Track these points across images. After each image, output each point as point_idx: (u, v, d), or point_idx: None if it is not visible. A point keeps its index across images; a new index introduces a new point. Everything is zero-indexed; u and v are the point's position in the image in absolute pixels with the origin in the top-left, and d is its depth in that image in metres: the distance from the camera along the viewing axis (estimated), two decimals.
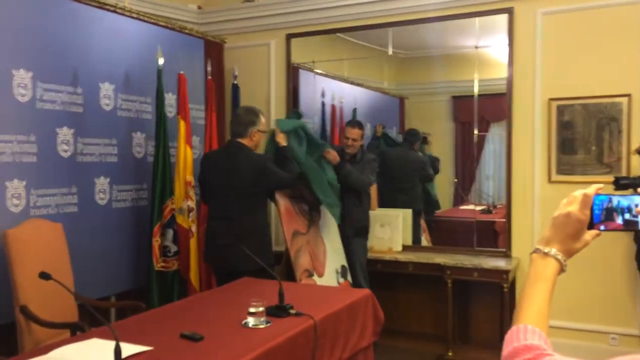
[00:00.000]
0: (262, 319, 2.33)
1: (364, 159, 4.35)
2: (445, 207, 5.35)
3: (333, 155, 4.14)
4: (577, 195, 1.08)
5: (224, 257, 3.45)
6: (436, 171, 5.24)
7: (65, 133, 3.50)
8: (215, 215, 3.57)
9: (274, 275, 2.71)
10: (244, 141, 3.53)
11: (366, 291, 2.89)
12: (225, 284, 3.35)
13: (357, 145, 4.28)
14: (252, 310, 2.32)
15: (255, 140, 3.57)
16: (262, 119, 3.63)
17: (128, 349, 2.00)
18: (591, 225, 1.09)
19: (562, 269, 1.07)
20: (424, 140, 5.21)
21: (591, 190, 1.08)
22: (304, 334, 2.32)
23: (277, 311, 2.44)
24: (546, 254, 1.07)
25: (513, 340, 0.95)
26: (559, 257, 1.06)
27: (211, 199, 3.63)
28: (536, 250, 1.09)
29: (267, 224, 3.58)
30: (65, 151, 3.52)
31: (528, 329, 0.96)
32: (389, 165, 5.07)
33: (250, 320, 2.32)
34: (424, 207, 5.10)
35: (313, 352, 2.34)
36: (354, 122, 4.44)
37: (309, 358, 2.34)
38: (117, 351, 1.78)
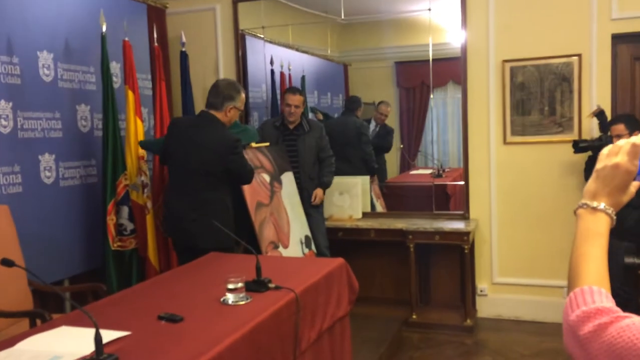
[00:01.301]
0: (242, 295, 2.22)
1: (312, 129, 4.26)
2: (392, 173, 5.37)
3: (319, 197, 4.21)
4: (622, 145, 1.01)
5: (186, 232, 3.26)
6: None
7: (3, 107, 3.21)
8: (176, 187, 3.35)
9: (250, 249, 2.59)
10: (218, 115, 3.30)
11: (340, 260, 2.83)
12: (186, 258, 3.20)
13: (298, 113, 4.18)
14: (230, 286, 2.21)
15: (230, 117, 3.34)
16: (242, 96, 3.39)
17: (105, 335, 1.85)
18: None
19: (612, 224, 1.01)
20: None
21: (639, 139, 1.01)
22: (286, 308, 2.24)
23: (255, 286, 2.33)
24: (595, 209, 1.00)
25: (579, 303, 0.88)
26: (609, 211, 1.00)
27: (172, 169, 3.39)
28: (583, 206, 1.02)
29: (230, 200, 3.39)
30: (5, 127, 3.23)
31: (594, 290, 0.90)
32: (330, 134, 5.01)
33: (230, 297, 2.21)
34: (371, 174, 5.04)
35: (296, 325, 2.27)
36: (294, 89, 4.31)
37: (292, 332, 2.26)
38: (98, 339, 1.64)
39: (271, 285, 2.35)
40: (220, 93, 3.31)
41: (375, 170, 5.05)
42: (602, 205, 1.00)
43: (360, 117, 5.07)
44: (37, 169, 3.45)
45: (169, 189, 3.49)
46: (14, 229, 3.04)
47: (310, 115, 4.97)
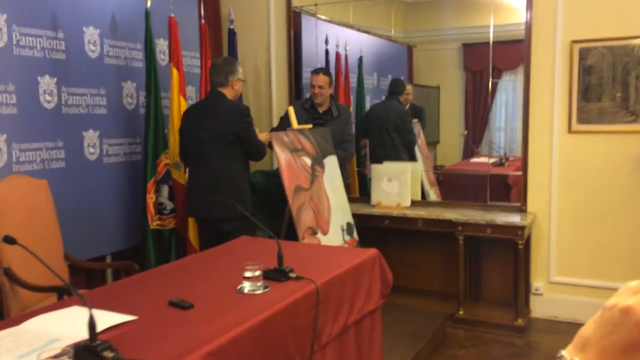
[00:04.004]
0: (259, 284, 2.12)
1: (342, 114, 4.16)
2: (454, 160, 5.12)
3: None
4: None
5: (204, 205, 3.38)
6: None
7: (47, 82, 3.24)
8: (195, 165, 3.48)
9: (256, 222, 2.63)
10: (226, 91, 3.44)
11: (373, 251, 2.67)
12: (209, 237, 3.44)
13: (324, 94, 4.06)
14: (247, 274, 2.11)
15: (237, 89, 3.49)
16: (240, 68, 3.54)
17: (109, 318, 1.80)
18: None
19: None
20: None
21: None
22: (306, 300, 2.11)
23: (275, 275, 2.22)
24: None
25: None
26: None
27: (191, 150, 3.49)
28: (559, 357, 0.68)
29: (247, 173, 3.52)
30: (49, 102, 3.26)
31: None
32: (371, 120, 4.88)
33: (246, 286, 2.11)
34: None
35: (315, 318, 2.14)
36: (319, 69, 4.20)
37: (311, 325, 2.13)
38: (92, 324, 1.57)
39: (292, 274, 2.23)
40: (221, 70, 3.44)
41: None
42: None
43: (406, 102, 4.86)
44: (81, 145, 3.48)
45: (190, 169, 3.59)
46: (52, 203, 3.07)
47: None
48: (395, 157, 4.64)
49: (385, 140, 4.69)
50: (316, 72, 4.12)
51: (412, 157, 4.77)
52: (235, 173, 3.39)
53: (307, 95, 4.92)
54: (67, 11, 3.35)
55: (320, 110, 4.11)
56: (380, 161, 4.55)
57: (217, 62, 3.53)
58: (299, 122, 3.87)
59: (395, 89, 4.83)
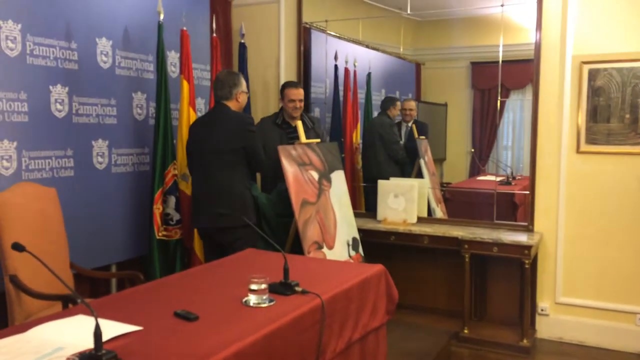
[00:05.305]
0: (265, 297, 2.11)
1: (315, 124, 4.13)
2: (461, 178, 5.12)
3: None
4: None
5: (208, 216, 3.40)
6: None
7: (59, 91, 3.27)
8: (199, 176, 3.51)
9: (256, 229, 2.61)
10: (230, 103, 3.49)
11: (379, 267, 2.66)
12: (210, 248, 3.51)
13: (302, 107, 4.00)
14: (253, 287, 2.10)
15: (241, 102, 3.54)
16: (244, 81, 3.57)
17: (114, 328, 1.80)
18: None
19: None
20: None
21: None
22: (311, 314, 2.10)
23: (281, 288, 2.21)
24: None
25: None
26: None
27: (195, 162, 3.53)
28: None
29: (247, 183, 3.52)
30: (60, 111, 3.29)
31: None
32: (364, 135, 5.01)
33: (252, 298, 2.10)
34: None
35: (320, 333, 2.13)
36: (295, 82, 4.11)
37: (316, 340, 2.12)
38: (98, 333, 1.57)
39: (298, 288, 2.22)
40: (225, 84, 3.48)
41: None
42: None
43: (395, 116, 4.96)
44: (90, 154, 3.50)
45: (193, 180, 3.61)
46: (60, 211, 3.08)
47: None
48: (384, 171, 4.68)
49: (373, 153, 4.81)
50: (295, 85, 3.99)
51: (403, 171, 4.81)
52: (238, 183, 3.43)
53: (316, 110, 4.96)
54: (81, 22, 3.39)
55: (293, 124, 3.93)
56: (371, 175, 4.62)
57: (221, 75, 3.56)
58: (274, 140, 3.79)
59: (384, 105, 4.97)
